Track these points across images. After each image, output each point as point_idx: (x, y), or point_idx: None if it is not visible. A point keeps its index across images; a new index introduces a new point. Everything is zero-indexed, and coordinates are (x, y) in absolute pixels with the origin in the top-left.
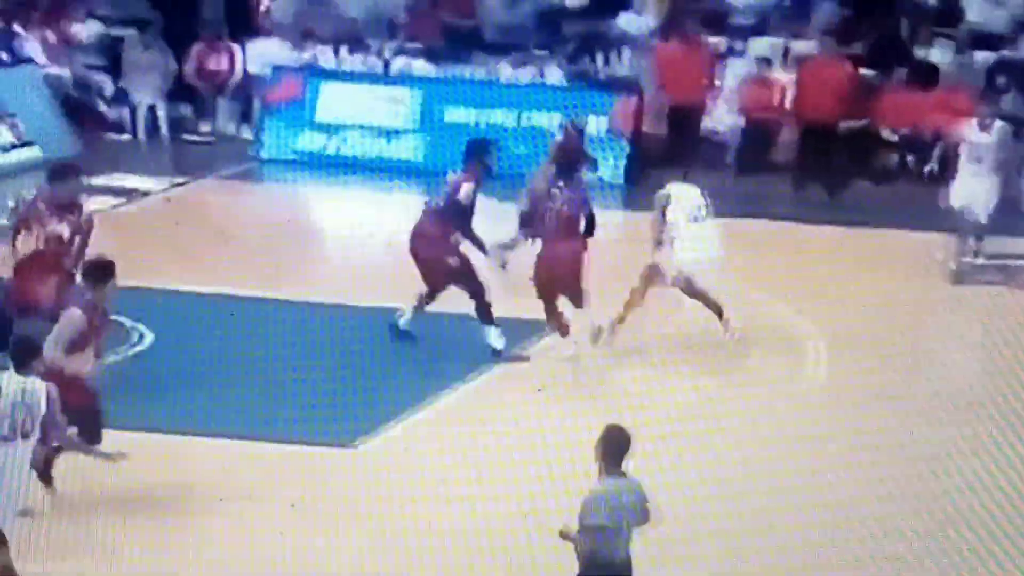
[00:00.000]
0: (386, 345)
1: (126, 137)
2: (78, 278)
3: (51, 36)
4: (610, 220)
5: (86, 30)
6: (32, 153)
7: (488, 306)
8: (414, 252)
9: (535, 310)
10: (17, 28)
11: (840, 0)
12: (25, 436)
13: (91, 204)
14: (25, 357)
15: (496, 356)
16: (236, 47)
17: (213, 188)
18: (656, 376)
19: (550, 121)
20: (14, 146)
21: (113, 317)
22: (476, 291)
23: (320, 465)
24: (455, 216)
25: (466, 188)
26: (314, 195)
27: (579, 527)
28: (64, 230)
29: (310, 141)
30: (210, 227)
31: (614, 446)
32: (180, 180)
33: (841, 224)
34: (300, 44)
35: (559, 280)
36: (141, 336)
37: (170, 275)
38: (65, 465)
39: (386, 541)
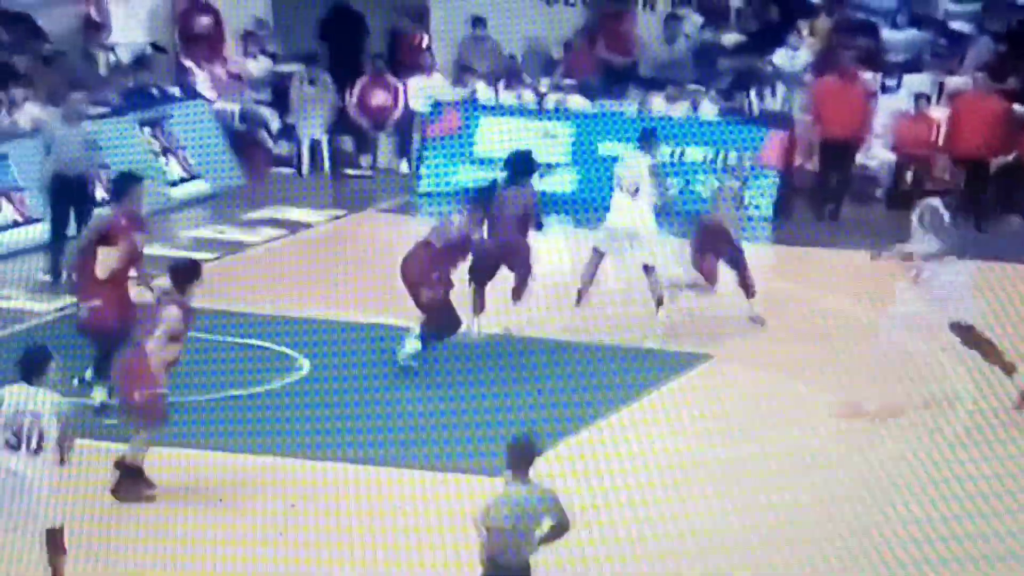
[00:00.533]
0: (540, 376)
1: (289, 171)
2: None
3: (221, 72)
4: (759, 254)
5: (256, 66)
6: (200, 187)
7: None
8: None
9: (687, 343)
10: (189, 64)
11: (995, 36)
12: (32, 450)
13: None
14: (36, 367)
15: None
16: (398, 83)
17: (372, 221)
18: (788, 405)
19: (704, 156)
20: (183, 180)
21: (271, 345)
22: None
23: (470, 492)
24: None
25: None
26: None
27: (482, 528)
28: (142, 243)
29: (468, 175)
30: (368, 259)
31: (519, 453)
32: (340, 213)
33: (990, 259)
34: (459, 80)
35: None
36: (298, 365)
37: (328, 305)
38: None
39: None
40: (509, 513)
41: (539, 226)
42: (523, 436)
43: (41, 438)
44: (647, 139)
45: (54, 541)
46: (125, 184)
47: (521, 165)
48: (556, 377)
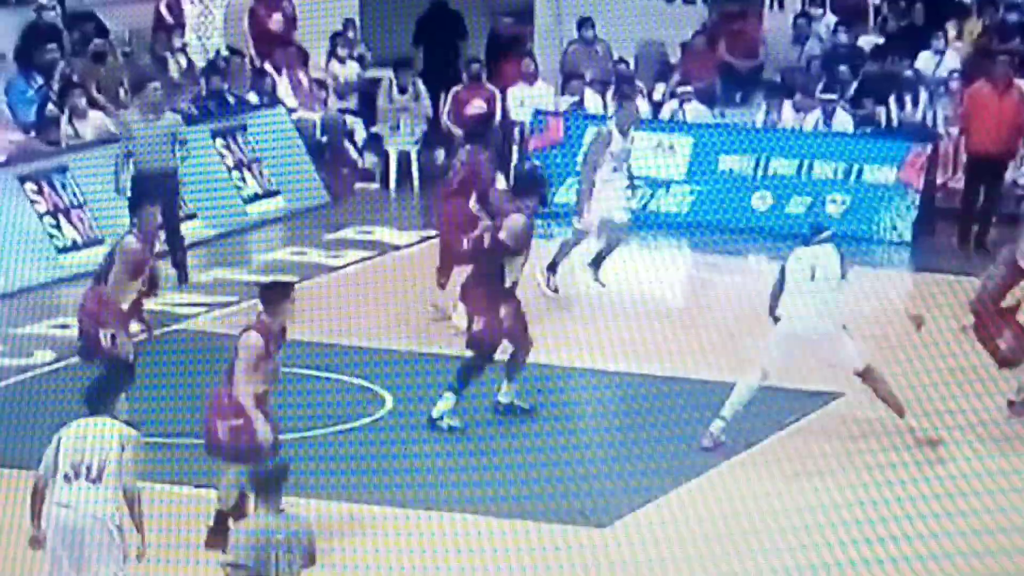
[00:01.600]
0: (646, 415)
1: (375, 186)
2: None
3: (303, 77)
4: (895, 282)
5: (342, 71)
6: (277, 204)
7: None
8: None
9: (807, 380)
10: (268, 68)
11: None
12: (91, 480)
13: (338, 257)
14: (97, 398)
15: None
16: (496, 90)
17: None
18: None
19: (835, 171)
20: (259, 196)
21: (351, 379)
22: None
23: (569, 543)
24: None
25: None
26: (576, 250)
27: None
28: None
29: (573, 191)
30: (458, 283)
31: (266, 478)
32: (430, 233)
33: None
34: (564, 87)
35: None
36: (381, 400)
37: (414, 335)
38: None
39: None
40: (253, 546)
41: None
42: (276, 463)
43: (102, 468)
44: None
45: None
46: (142, 207)
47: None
48: (669, 414)
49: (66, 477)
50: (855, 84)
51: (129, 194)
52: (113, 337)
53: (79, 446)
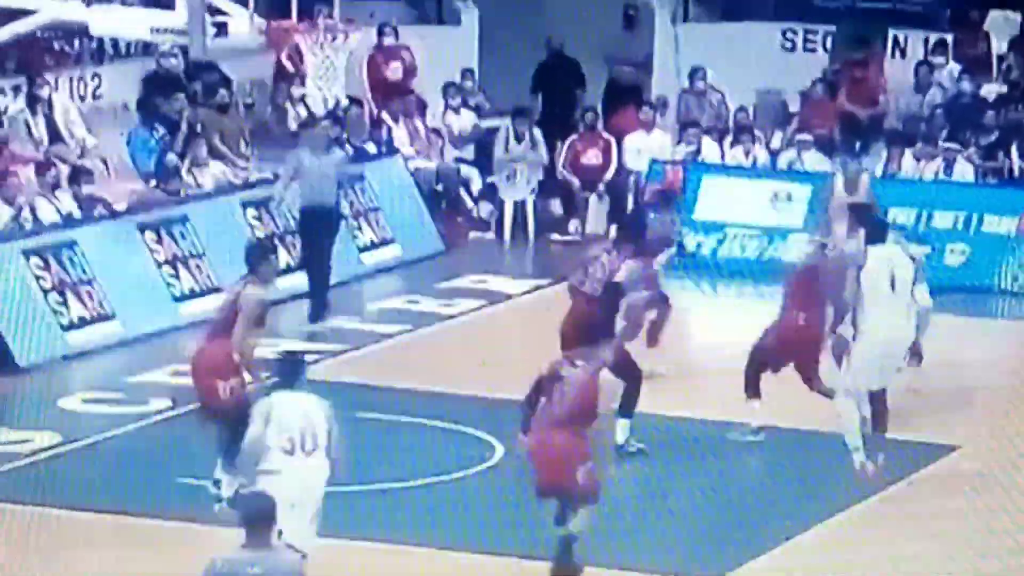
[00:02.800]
0: (757, 465)
1: (490, 236)
2: None
3: (421, 126)
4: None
5: (459, 121)
6: (392, 252)
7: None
8: None
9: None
10: (385, 117)
11: None
12: (307, 452)
13: (451, 306)
14: (293, 373)
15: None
16: (612, 139)
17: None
18: None
19: (954, 221)
20: (374, 245)
21: (465, 428)
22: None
23: None
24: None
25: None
26: (691, 301)
27: None
28: None
29: (689, 241)
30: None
31: (254, 510)
32: (544, 283)
33: None
34: (681, 136)
35: None
36: (492, 449)
37: (525, 384)
38: None
39: None
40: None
41: None
42: (259, 495)
43: (315, 441)
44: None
45: None
46: (263, 255)
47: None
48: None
49: (284, 450)
50: (978, 134)
51: (296, 227)
52: (232, 389)
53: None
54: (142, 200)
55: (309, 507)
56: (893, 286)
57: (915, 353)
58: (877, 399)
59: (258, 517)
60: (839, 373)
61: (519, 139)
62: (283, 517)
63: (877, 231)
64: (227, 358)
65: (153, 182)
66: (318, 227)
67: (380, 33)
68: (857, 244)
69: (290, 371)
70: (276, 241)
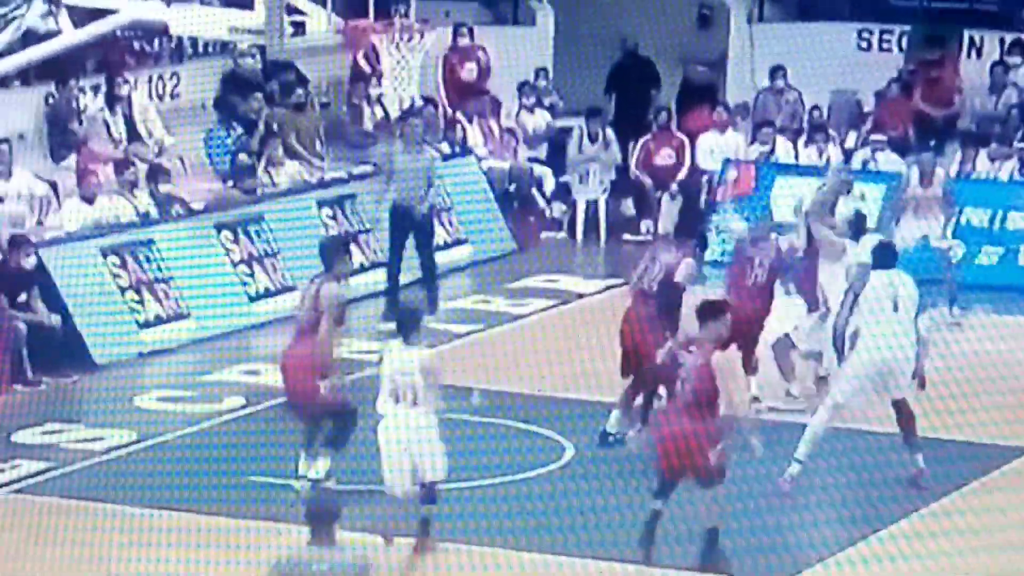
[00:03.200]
0: (818, 470)
1: (562, 235)
2: None
3: (495, 126)
4: None
5: (533, 120)
6: (464, 252)
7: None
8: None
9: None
10: (459, 117)
11: None
12: (410, 403)
13: (523, 306)
14: (410, 326)
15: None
16: (685, 139)
17: None
18: None
19: None
20: (447, 245)
21: (535, 428)
22: None
23: None
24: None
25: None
26: None
27: None
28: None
29: None
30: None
31: (319, 507)
32: (616, 283)
33: None
34: (755, 135)
35: None
36: (562, 449)
37: (598, 385)
38: None
39: None
40: (286, 573)
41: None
42: (322, 494)
43: (416, 393)
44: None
45: None
46: (339, 251)
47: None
48: (843, 469)
49: (391, 398)
50: None
51: (386, 225)
52: (331, 387)
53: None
54: (218, 199)
55: (408, 457)
56: (896, 307)
57: (919, 378)
58: (901, 407)
59: (323, 515)
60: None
61: (592, 139)
62: (384, 463)
63: (887, 257)
64: (323, 357)
65: (229, 181)
66: (404, 226)
67: (455, 34)
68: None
69: (409, 323)
70: (350, 240)
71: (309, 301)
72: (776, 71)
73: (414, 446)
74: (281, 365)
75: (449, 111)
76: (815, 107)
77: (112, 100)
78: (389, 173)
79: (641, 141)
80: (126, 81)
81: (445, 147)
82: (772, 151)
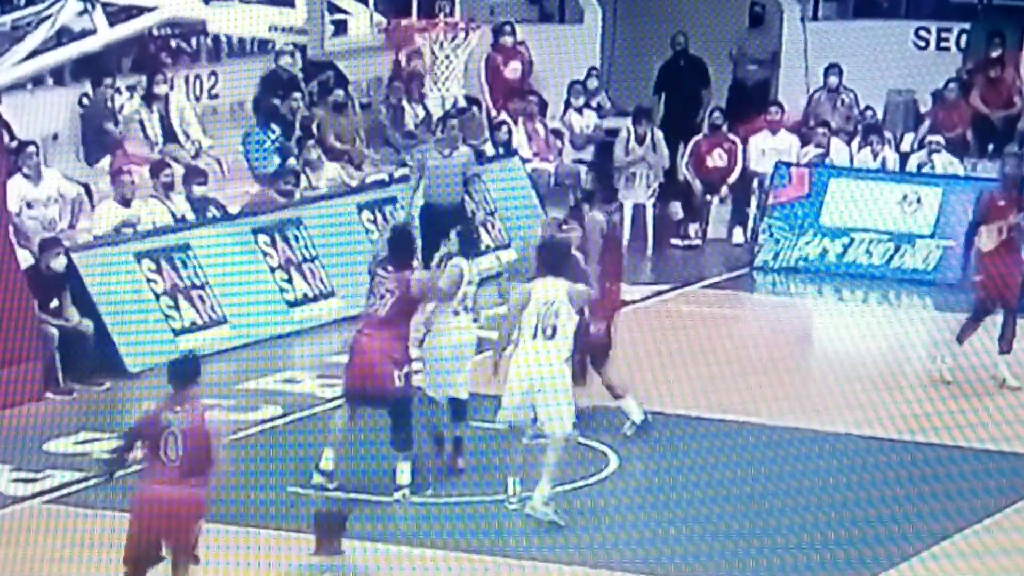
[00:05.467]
0: (874, 482)
1: None
2: None
3: (540, 127)
4: None
5: (581, 121)
6: (507, 256)
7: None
8: None
9: None
10: (504, 118)
11: None
12: (548, 336)
13: None
14: (555, 261)
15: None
16: (737, 140)
17: (699, 298)
18: None
19: None
20: (489, 249)
21: (579, 438)
22: None
23: None
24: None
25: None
26: (816, 309)
27: None
28: None
29: (814, 247)
30: (692, 342)
31: (328, 519)
32: (663, 288)
33: None
34: (809, 137)
35: None
36: (605, 460)
37: (642, 393)
38: None
39: None
40: None
41: None
42: (332, 507)
43: (555, 326)
44: None
45: None
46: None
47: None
48: (899, 480)
49: (530, 333)
50: None
51: (417, 224)
52: (407, 376)
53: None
54: (257, 202)
55: (541, 393)
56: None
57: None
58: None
59: (330, 526)
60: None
61: (640, 141)
62: (506, 396)
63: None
64: (401, 347)
65: (268, 184)
66: (435, 228)
67: (498, 32)
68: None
69: (554, 258)
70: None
71: (394, 290)
72: (831, 69)
73: (538, 395)
74: (357, 354)
75: (494, 112)
76: (869, 108)
77: (149, 100)
78: (421, 173)
79: (691, 142)
80: (163, 80)
81: (489, 148)
82: (827, 153)
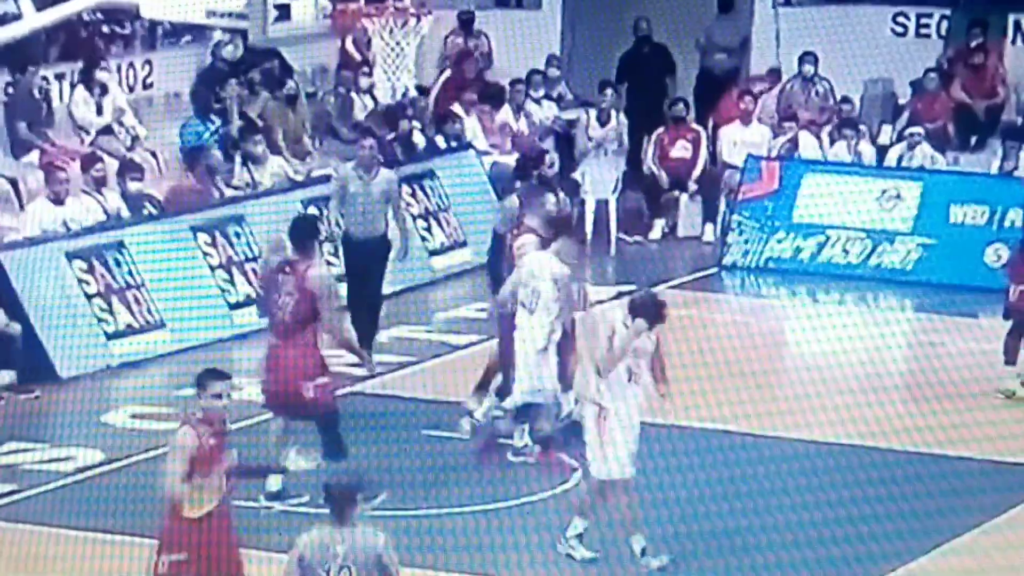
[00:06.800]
0: (860, 491)
1: None
2: None
3: (496, 119)
4: None
5: (540, 111)
6: (464, 256)
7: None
8: None
9: None
10: (456, 110)
11: None
12: (530, 310)
13: None
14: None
15: None
16: (702, 131)
17: (665, 298)
18: None
19: None
20: (446, 248)
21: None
22: None
23: None
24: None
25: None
26: (789, 311)
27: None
28: None
29: (785, 244)
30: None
31: (339, 489)
32: (627, 288)
33: None
34: (780, 129)
35: None
36: (571, 469)
37: None
38: None
39: None
40: (303, 555)
41: None
42: (341, 484)
43: (537, 299)
44: None
45: None
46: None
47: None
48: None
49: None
50: None
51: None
52: (324, 387)
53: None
54: (195, 199)
55: (523, 362)
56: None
57: None
58: None
59: (342, 497)
60: None
61: (603, 122)
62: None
63: None
64: (312, 356)
65: (207, 178)
66: (366, 261)
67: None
68: None
69: (563, 228)
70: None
71: (292, 291)
72: (806, 57)
73: (521, 359)
74: (268, 367)
75: (445, 101)
76: (845, 98)
77: (81, 89)
78: (340, 199)
79: (655, 134)
80: (95, 69)
81: (441, 140)
82: (796, 146)
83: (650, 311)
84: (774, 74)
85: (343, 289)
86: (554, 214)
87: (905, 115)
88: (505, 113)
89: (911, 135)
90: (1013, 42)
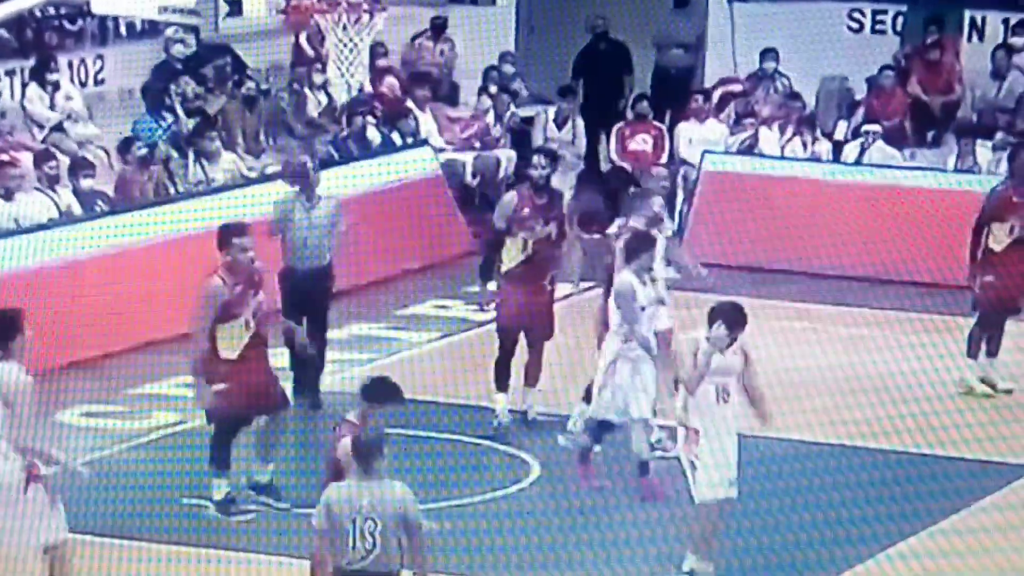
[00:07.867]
0: (829, 487)
1: None
2: None
3: (451, 115)
4: None
5: (494, 109)
6: None
7: None
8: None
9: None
10: (411, 105)
11: None
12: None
13: (487, 312)
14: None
15: None
16: (663, 127)
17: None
18: None
19: None
20: None
21: (499, 445)
22: None
23: None
24: None
25: None
26: (753, 308)
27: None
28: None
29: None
30: None
31: (365, 442)
32: (588, 285)
33: None
34: (739, 126)
35: None
36: (527, 468)
37: (563, 398)
38: None
39: None
40: (328, 511)
41: None
42: (367, 435)
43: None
44: None
45: None
46: (230, 235)
47: None
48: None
49: None
50: None
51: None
52: (214, 393)
53: None
54: (146, 196)
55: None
56: None
57: None
58: None
59: (368, 451)
60: None
61: (560, 125)
62: None
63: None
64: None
65: (160, 175)
66: (310, 294)
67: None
68: None
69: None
70: None
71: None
72: (767, 53)
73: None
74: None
75: (399, 98)
76: (797, 95)
77: (34, 86)
78: (283, 229)
79: (615, 129)
80: (46, 65)
81: (396, 137)
82: (755, 142)
83: (729, 316)
84: (752, 78)
85: None
86: (660, 217)
87: (861, 111)
88: (460, 111)
89: (867, 132)
90: (969, 39)
